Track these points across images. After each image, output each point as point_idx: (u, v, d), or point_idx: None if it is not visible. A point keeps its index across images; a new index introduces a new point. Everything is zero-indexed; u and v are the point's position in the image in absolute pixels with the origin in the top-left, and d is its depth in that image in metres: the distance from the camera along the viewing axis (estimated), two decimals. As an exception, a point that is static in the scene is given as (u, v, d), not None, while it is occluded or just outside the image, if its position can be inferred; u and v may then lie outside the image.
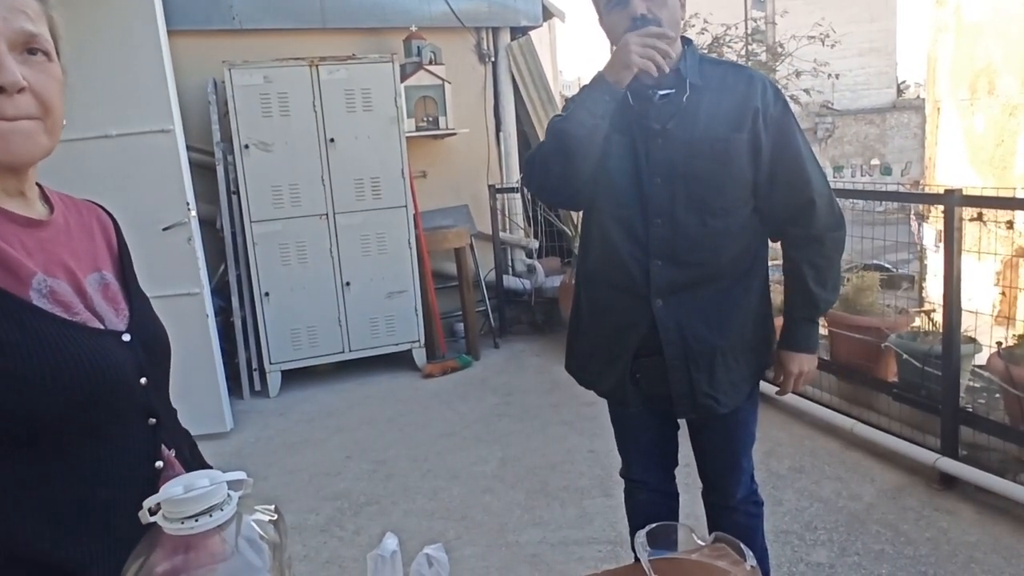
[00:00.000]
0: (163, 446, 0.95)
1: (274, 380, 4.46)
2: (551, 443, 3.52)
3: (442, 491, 3.13)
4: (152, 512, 0.69)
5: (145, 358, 0.94)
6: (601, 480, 3.09)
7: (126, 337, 0.92)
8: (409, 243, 4.60)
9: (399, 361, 4.74)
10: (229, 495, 0.70)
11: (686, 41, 1.65)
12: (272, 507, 0.75)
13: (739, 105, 1.58)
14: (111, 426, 0.88)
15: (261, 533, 0.71)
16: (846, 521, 2.69)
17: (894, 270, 5.69)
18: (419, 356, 4.72)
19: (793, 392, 1.85)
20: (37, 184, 0.94)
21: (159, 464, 0.93)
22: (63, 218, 0.95)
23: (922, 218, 6.17)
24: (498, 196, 5.30)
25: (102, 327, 0.90)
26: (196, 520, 0.67)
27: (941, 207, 2.86)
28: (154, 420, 0.94)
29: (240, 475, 0.71)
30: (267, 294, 4.37)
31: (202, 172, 4.36)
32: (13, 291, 0.82)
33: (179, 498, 0.66)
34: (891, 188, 5.63)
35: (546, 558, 2.60)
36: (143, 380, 0.92)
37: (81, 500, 0.85)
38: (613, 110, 1.58)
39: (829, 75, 5.40)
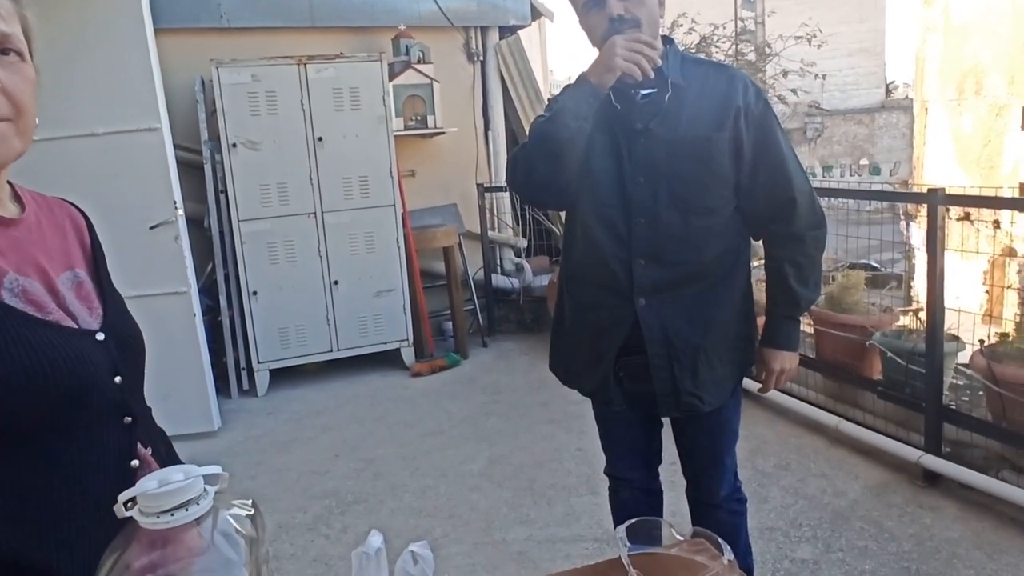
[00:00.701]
0: (139, 444, 0.95)
1: (262, 379, 4.45)
2: (539, 441, 3.53)
3: (430, 489, 3.14)
4: (127, 507, 0.69)
5: (119, 357, 0.93)
6: (588, 478, 3.10)
7: (100, 336, 0.92)
8: (397, 242, 4.60)
9: (387, 360, 4.74)
10: (205, 489, 0.70)
11: (668, 41, 1.66)
12: (249, 501, 0.75)
13: (721, 104, 1.59)
14: (86, 425, 0.88)
15: (238, 527, 0.71)
16: (831, 518, 2.71)
17: (882, 269, 5.73)
18: (407, 355, 4.72)
19: (777, 389, 1.86)
20: (8, 182, 0.94)
21: (135, 463, 0.93)
22: (35, 216, 0.95)
23: (910, 218, 6.21)
24: (486, 195, 5.30)
25: (76, 326, 0.90)
26: (172, 514, 0.67)
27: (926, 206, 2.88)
28: (129, 419, 0.93)
29: (216, 469, 0.71)
30: (255, 293, 4.36)
31: (189, 171, 4.34)
32: None
33: (155, 492, 0.67)
34: (879, 188, 5.65)
35: (532, 556, 2.61)
36: (117, 379, 0.92)
37: (56, 500, 0.85)
38: (596, 110, 1.58)
39: (816, 75, 5.43)
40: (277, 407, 4.25)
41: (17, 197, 0.95)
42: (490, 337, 5.25)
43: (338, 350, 4.58)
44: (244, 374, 4.49)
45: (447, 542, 2.70)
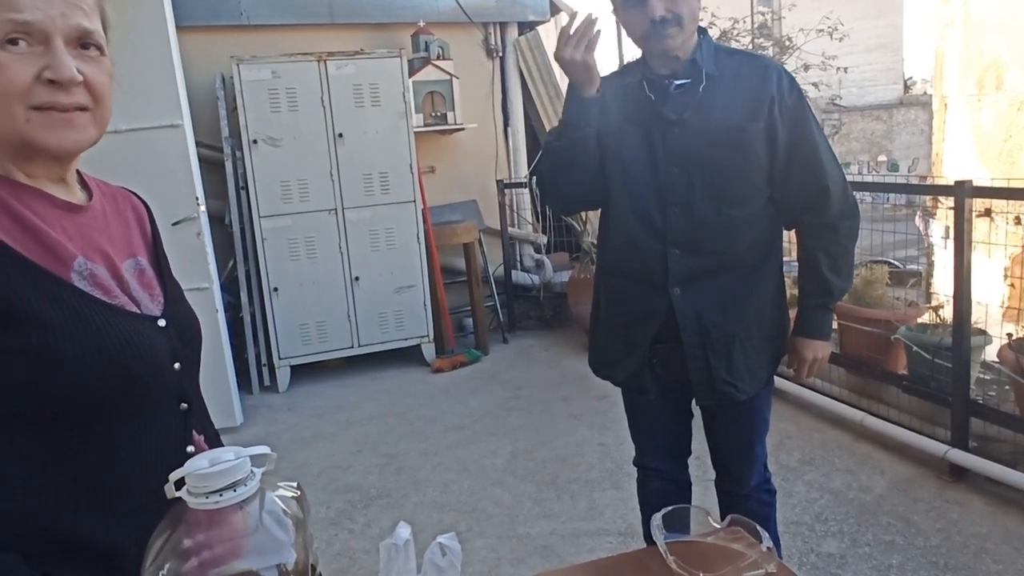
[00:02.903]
0: (194, 431, 0.96)
1: (283, 375, 4.48)
2: (561, 436, 3.52)
3: (452, 484, 3.14)
4: (177, 488, 0.70)
5: (179, 343, 0.95)
6: (611, 473, 3.09)
7: (161, 322, 0.94)
8: (418, 238, 4.61)
9: (408, 356, 4.75)
10: (252, 471, 0.71)
11: (702, 31, 1.65)
12: (295, 484, 0.76)
13: (755, 94, 1.59)
14: (145, 409, 0.89)
15: (284, 508, 0.72)
16: (856, 512, 2.69)
17: (901, 267, 5.67)
18: (428, 351, 4.73)
19: (801, 384, 1.86)
20: (76, 170, 0.96)
21: (191, 448, 0.94)
22: (100, 204, 0.97)
23: (929, 214, 6.14)
24: (506, 191, 5.30)
25: (139, 311, 0.92)
26: (220, 495, 0.67)
27: (950, 203, 2.85)
28: (186, 405, 0.95)
29: (264, 450, 0.72)
30: (276, 289, 4.38)
31: (211, 168, 4.37)
32: (55, 272, 0.83)
33: (204, 472, 0.67)
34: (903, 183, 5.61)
35: (557, 550, 2.60)
36: (176, 365, 0.94)
37: (116, 482, 0.86)
38: (630, 101, 1.58)
39: (838, 69, 5.37)
40: (298, 403, 4.27)
41: (84, 184, 0.98)
42: (510, 333, 5.26)
43: (359, 346, 4.60)
44: (265, 370, 4.52)
45: (471, 536, 2.70)
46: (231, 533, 0.69)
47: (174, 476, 0.69)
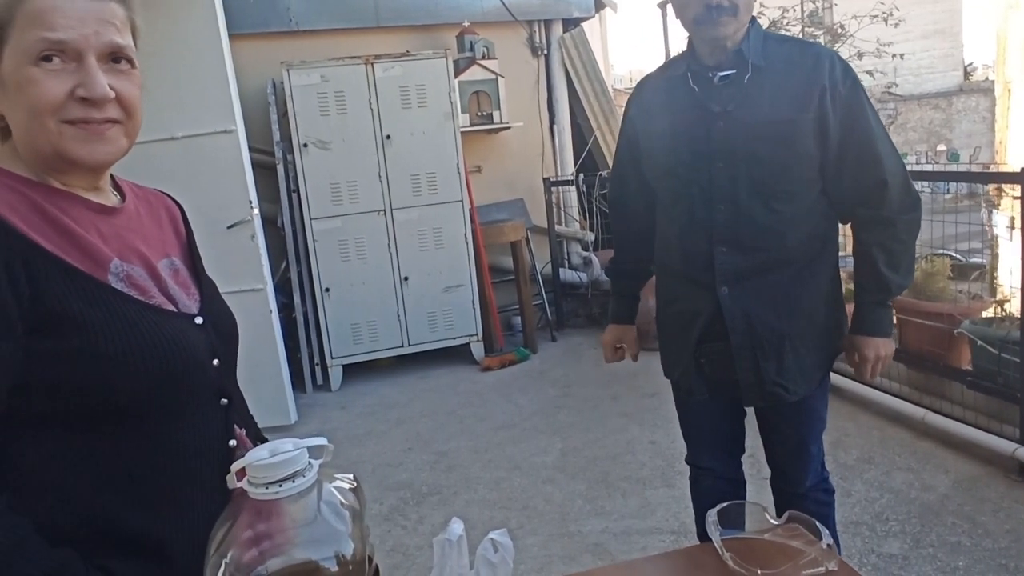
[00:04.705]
0: (235, 425, 0.98)
1: (336, 374, 4.55)
2: (611, 434, 3.50)
3: (503, 481, 3.15)
4: (237, 478, 0.71)
5: (216, 340, 0.97)
6: (663, 471, 3.06)
7: (199, 320, 0.96)
8: (465, 237, 4.63)
9: (457, 354, 4.78)
10: (310, 462, 0.72)
11: (751, 20, 1.61)
12: (351, 475, 0.77)
13: (805, 84, 1.54)
14: (187, 405, 0.91)
15: (342, 499, 0.72)
16: (919, 512, 2.61)
17: (963, 259, 5.47)
18: (477, 349, 4.75)
19: (860, 381, 1.80)
20: (110, 174, 0.98)
21: (232, 442, 0.96)
22: (134, 206, 0.99)
23: (993, 205, 5.91)
24: (553, 189, 5.29)
25: (176, 310, 0.94)
26: (280, 485, 0.68)
27: (1015, 191, 2.74)
28: (226, 400, 0.97)
29: (321, 441, 0.73)
30: (327, 290, 4.45)
31: (263, 171, 4.46)
32: (93, 275, 0.86)
33: (264, 463, 0.68)
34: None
35: (609, 547, 2.59)
36: (215, 361, 0.95)
37: (162, 477, 0.88)
38: (674, 93, 1.58)
39: (893, 55, 5.22)
40: (350, 401, 4.33)
41: (118, 187, 1.00)
42: (559, 332, 5.24)
43: (409, 345, 4.64)
44: (318, 369, 4.59)
45: (523, 533, 2.70)
46: (290, 523, 0.70)
47: (235, 467, 0.70)
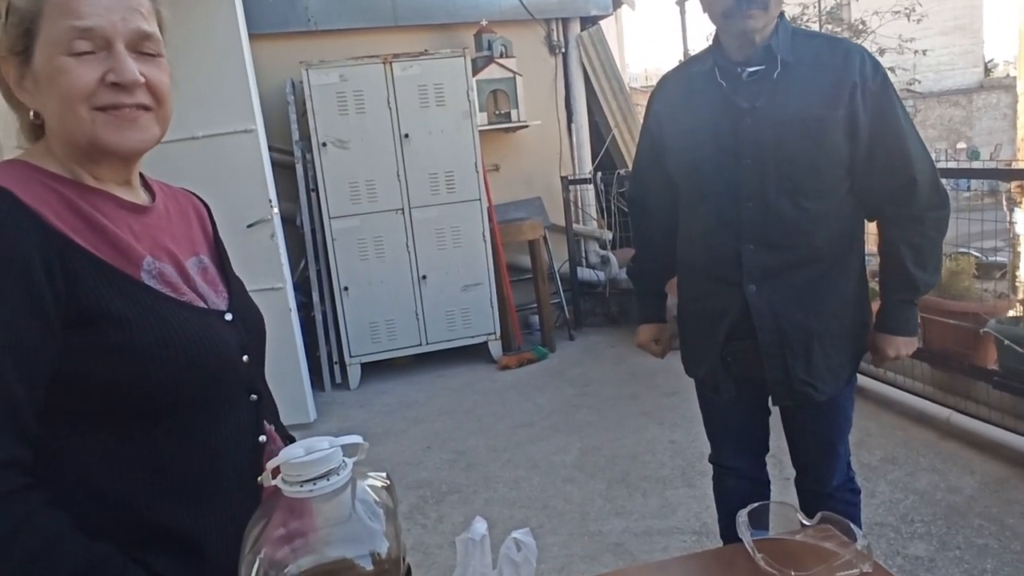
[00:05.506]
0: (264, 421, 0.98)
1: (354, 373, 4.56)
2: (630, 434, 3.48)
3: (523, 480, 3.14)
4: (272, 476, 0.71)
5: (246, 336, 0.97)
6: (683, 470, 3.04)
7: (228, 316, 0.96)
8: (483, 236, 4.63)
9: (475, 353, 4.78)
10: (344, 460, 0.71)
11: (779, 15, 1.59)
12: (384, 473, 0.76)
13: (834, 80, 1.52)
14: (219, 401, 0.92)
15: (375, 498, 0.72)
16: (945, 514, 2.57)
17: (984, 258, 5.40)
18: (495, 348, 4.75)
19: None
20: (139, 173, 0.99)
21: (262, 438, 0.96)
22: (163, 205, 1.00)
23: (1014, 203, 5.82)
24: (571, 188, 5.28)
25: (206, 307, 0.94)
26: (314, 484, 0.68)
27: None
28: (255, 396, 0.97)
29: (356, 439, 0.72)
30: (346, 288, 4.46)
31: (282, 171, 4.47)
32: (127, 271, 0.86)
33: (299, 461, 0.68)
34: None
35: (630, 547, 2.57)
36: (245, 357, 0.96)
37: (195, 473, 0.89)
38: (701, 90, 1.56)
39: (916, 51, 5.16)
40: (369, 400, 4.34)
41: (147, 186, 1.01)
42: (577, 330, 5.23)
43: (427, 344, 4.65)
44: (337, 367, 4.61)
45: (543, 532, 2.69)
46: (324, 521, 0.70)
47: (271, 465, 0.70)
